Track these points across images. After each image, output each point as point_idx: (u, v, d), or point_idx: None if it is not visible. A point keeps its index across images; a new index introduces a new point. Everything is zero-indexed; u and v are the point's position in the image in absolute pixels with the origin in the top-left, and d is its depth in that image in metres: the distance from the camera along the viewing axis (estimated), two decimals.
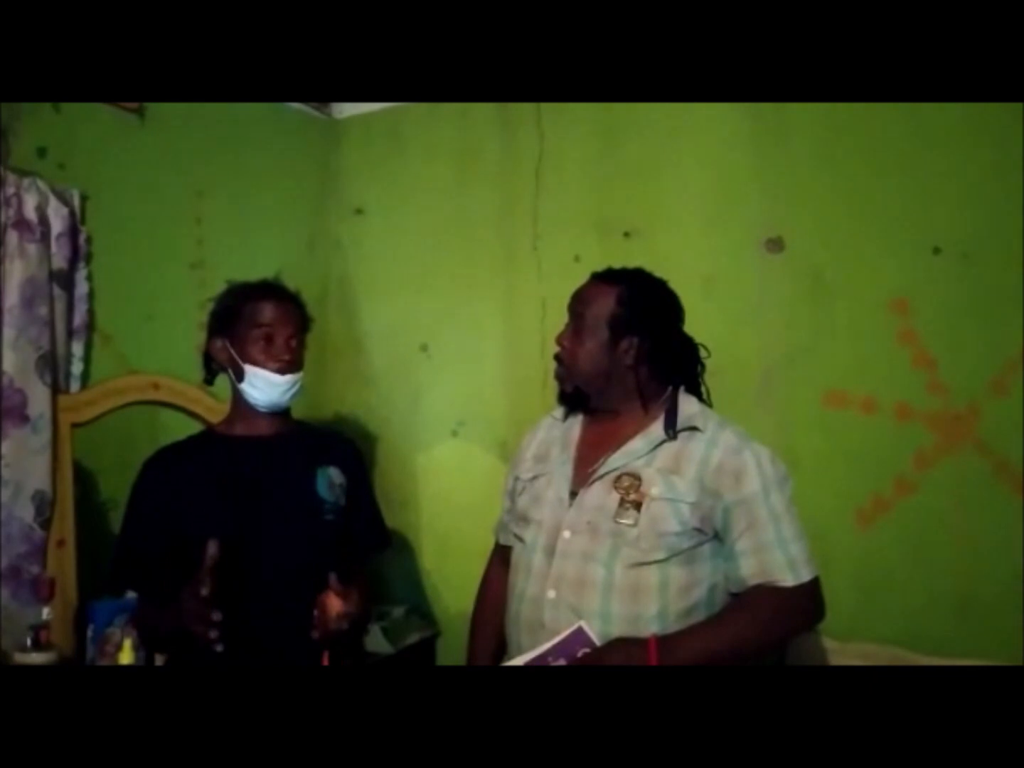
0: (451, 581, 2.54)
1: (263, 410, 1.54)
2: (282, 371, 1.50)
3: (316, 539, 1.52)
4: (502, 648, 1.53)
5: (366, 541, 1.65)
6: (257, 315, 1.51)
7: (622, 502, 1.34)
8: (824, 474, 1.97)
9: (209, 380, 1.59)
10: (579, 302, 1.46)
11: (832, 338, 2.05)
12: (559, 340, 1.47)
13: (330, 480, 1.56)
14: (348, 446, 1.68)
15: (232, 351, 1.51)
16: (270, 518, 1.50)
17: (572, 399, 1.48)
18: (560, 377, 1.47)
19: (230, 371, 1.53)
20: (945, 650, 1.81)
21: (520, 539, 1.46)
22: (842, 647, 1.88)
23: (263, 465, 1.53)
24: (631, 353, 1.42)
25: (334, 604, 1.36)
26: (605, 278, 1.48)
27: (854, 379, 2.02)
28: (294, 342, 1.52)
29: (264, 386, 1.50)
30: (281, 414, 1.57)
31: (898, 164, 1.98)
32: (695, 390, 1.49)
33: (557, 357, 1.48)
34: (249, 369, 1.49)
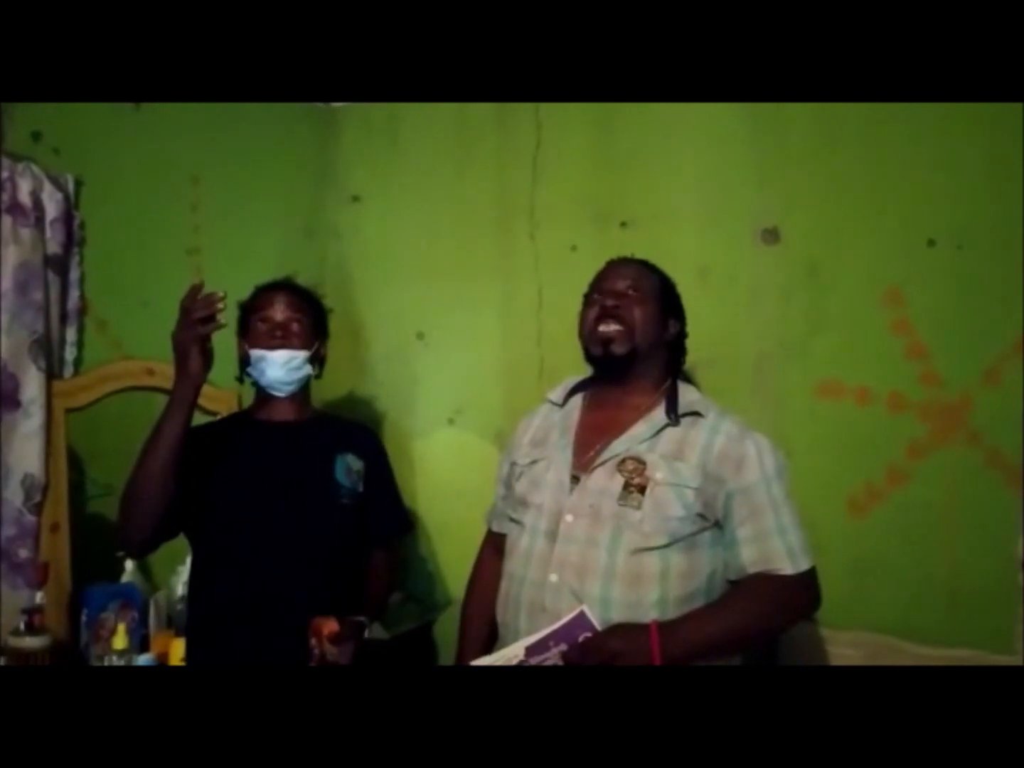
0: (447, 568, 2.54)
1: (275, 393, 1.63)
2: (273, 347, 1.59)
3: (331, 521, 1.59)
4: (494, 636, 1.53)
5: (386, 525, 1.74)
6: (258, 306, 1.64)
7: (626, 486, 1.35)
8: (817, 463, 1.98)
9: (240, 378, 1.67)
10: (631, 273, 1.49)
11: (826, 328, 2.05)
12: (612, 303, 1.45)
13: (348, 466, 1.65)
14: (367, 434, 1.79)
15: (245, 343, 1.63)
16: (288, 499, 1.57)
17: (615, 364, 1.45)
18: (613, 338, 1.43)
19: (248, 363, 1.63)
20: (936, 638, 1.82)
21: (519, 523, 1.47)
22: (834, 635, 1.89)
23: (284, 448, 1.62)
24: (671, 332, 1.50)
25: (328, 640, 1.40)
26: (639, 262, 1.54)
27: (848, 369, 2.02)
28: (294, 325, 1.61)
29: (263, 364, 1.60)
30: (301, 401, 1.67)
31: (893, 156, 1.98)
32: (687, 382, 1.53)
33: (613, 315, 1.44)
34: (252, 353, 1.60)
